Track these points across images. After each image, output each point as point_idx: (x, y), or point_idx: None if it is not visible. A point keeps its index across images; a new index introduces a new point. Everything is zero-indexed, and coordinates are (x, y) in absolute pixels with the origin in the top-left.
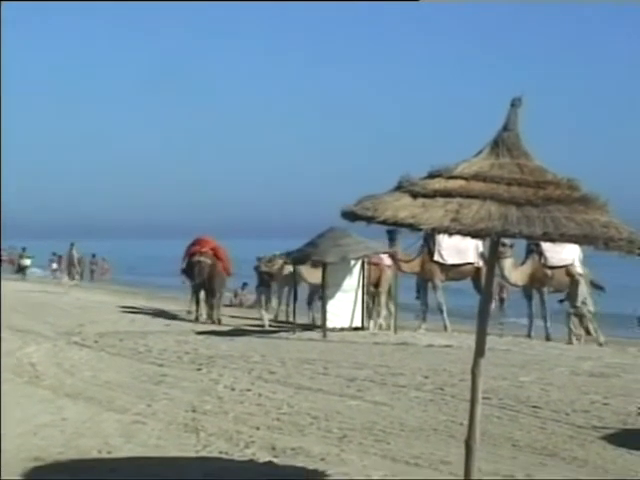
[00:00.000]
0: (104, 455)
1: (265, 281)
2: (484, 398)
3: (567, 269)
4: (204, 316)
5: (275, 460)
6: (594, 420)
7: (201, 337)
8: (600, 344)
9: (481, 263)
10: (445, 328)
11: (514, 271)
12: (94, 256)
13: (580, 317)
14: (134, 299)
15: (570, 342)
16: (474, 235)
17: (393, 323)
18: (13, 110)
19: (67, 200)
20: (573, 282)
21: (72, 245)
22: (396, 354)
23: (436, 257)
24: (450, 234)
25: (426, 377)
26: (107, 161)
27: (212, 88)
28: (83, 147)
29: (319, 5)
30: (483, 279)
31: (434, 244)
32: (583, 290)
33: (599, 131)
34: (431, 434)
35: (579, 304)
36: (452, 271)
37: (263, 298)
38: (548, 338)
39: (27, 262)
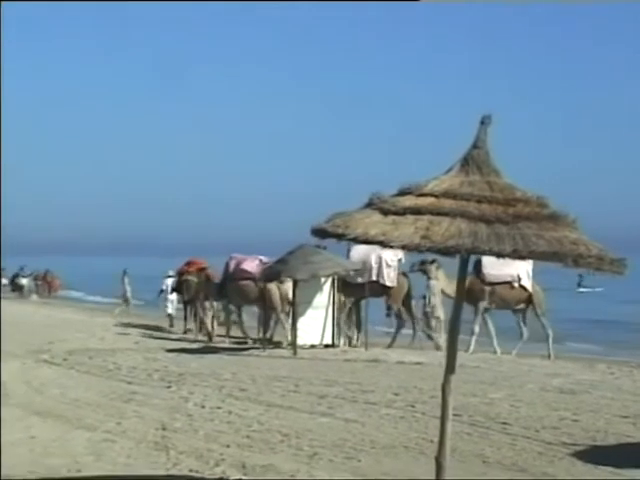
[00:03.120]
0: (73, 474)
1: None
2: (454, 415)
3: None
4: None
5: (245, 478)
6: (563, 437)
7: (171, 355)
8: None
9: (387, 281)
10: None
11: (449, 283)
12: (47, 272)
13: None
14: (104, 316)
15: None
16: (444, 252)
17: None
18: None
19: (33, 217)
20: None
21: (125, 272)
22: (367, 371)
23: None
24: (420, 251)
25: (397, 394)
26: (80, 177)
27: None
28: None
29: (317, 5)
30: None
31: None
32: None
33: (570, 147)
34: (401, 451)
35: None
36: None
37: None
38: (495, 352)
39: (24, 281)
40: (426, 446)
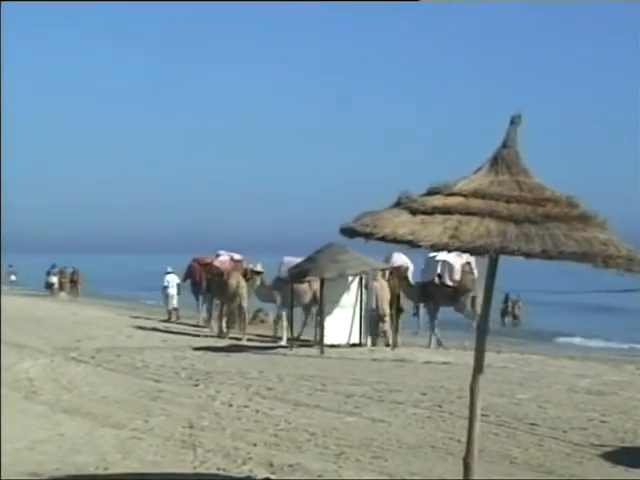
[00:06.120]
0: (101, 471)
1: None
2: (481, 415)
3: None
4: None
5: (272, 477)
6: (592, 438)
7: (198, 353)
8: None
9: None
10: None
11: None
12: (66, 268)
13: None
14: (131, 314)
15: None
16: (473, 252)
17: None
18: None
19: (64, 215)
20: None
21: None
22: (394, 370)
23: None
24: (449, 251)
25: (424, 394)
26: (101, 176)
27: (208, 100)
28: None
29: (316, 5)
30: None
31: None
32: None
33: (595, 147)
34: (429, 451)
35: None
36: None
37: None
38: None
39: (54, 279)
40: (453, 446)
